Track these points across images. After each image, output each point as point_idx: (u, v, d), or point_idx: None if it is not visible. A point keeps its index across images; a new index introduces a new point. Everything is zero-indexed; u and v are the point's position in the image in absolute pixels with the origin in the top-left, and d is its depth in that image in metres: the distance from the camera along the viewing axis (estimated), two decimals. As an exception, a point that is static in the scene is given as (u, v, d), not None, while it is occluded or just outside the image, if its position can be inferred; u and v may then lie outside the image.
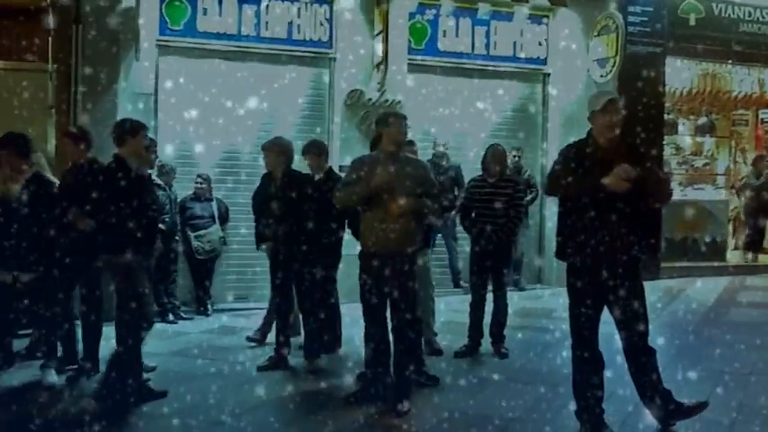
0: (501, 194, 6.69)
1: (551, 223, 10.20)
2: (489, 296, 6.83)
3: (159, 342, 7.00)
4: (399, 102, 9.38)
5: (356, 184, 5.20)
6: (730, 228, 13.30)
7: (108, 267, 5.41)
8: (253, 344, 7.04)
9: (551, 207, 10.34)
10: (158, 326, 7.82)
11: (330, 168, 7.01)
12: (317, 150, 6.89)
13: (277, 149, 6.45)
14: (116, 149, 5.33)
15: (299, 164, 6.82)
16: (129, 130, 5.34)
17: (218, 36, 8.93)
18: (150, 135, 7.97)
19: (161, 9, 8.72)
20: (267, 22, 9.10)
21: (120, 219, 5.11)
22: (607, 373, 4.68)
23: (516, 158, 9.83)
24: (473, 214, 6.81)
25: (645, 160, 4.57)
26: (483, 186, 6.79)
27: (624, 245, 4.47)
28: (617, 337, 4.65)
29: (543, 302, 9.46)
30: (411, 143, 6.54)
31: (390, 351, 5.26)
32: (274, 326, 6.60)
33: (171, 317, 8.09)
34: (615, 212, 4.41)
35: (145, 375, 5.92)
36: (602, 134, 4.54)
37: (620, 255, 4.48)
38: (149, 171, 6.31)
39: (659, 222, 10.62)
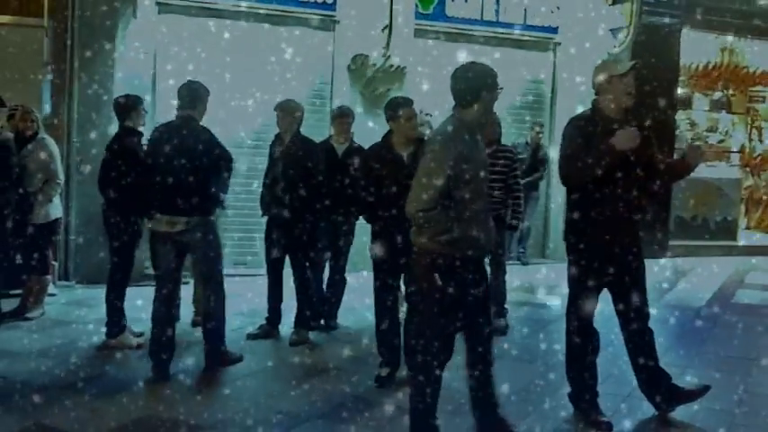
0: (497, 165, 6.41)
1: (560, 199, 10.00)
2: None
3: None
4: (404, 68, 9.12)
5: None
6: (742, 207, 13.03)
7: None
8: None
9: (558, 183, 10.14)
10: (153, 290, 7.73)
11: (352, 139, 6.58)
12: (347, 118, 6.51)
13: (293, 111, 6.16)
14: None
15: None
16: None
17: (221, -5, 8.66)
18: (148, 95, 7.88)
19: (161, -33, 8.45)
20: (271, -17, 8.83)
21: None
22: (603, 356, 4.51)
23: (539, 135, 9.70)
24: None
25: (652, 141, 4.35)
26: None
27: (632, 224, 4.29)
28: (611, 319, 4.47)
29: (546, 278, 9.26)
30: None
31: None
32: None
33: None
34: (621, 189, 4.20)
35: (137, 340, 5.85)
36: (616, 102, 4.24)
37: (627, 235, 4.28)
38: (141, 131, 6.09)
39: (668, 201, 10.53)
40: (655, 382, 4.50)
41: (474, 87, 3.74)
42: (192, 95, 5.30)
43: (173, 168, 5.07)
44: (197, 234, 5.14)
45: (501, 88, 3.99)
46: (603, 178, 4.13)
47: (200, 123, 5.32)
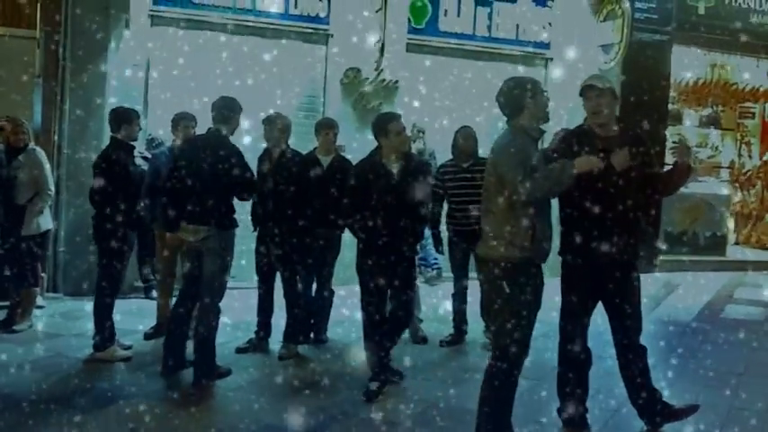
0: (475, 179, 6.37)
1: (556, 213, 10.01)
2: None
3: (142, 320, 6.83)
4: (397, 82, 9.16)
5: None
6: (732, 223, 13.09)
7: None
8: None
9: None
10: (142, 302, 7.71)
11: (337, 151, 6.57)
12: (333, 130, 6.46)
13: (280, 124, 6.17)
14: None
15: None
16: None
17: (213, 8, 8.64)
18: (140, 107, 7.86)
19: (154, -21, 8.47)
20: (264, -5, 8.85)
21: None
22: (593, 371, 4.52)
23: None
24: (445, 201, 6.58)
25: (648, 152, 4.38)
26: (456, 172, 6.49)
27: (623, 240, 4.28)
28: (605, 334, 4.48)
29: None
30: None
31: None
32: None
33: (154, 293, 7.91)
34: (615, 206, 4.22)
35: (125, 353, 5.84)
36: (591, 120, 4.37)
37: (618, 250, 4.27)
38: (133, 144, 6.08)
39: (658, 215, 10.55)
40: (645, 399, 4.50)
41: (515, 98, 3.95)
42: (225, 111, 5.45)
43: (200, 179, 5.22)
44: (212, 243, 5.25)
45: (545, 91, 4.13)
46: (593, 193, 4.15)
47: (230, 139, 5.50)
